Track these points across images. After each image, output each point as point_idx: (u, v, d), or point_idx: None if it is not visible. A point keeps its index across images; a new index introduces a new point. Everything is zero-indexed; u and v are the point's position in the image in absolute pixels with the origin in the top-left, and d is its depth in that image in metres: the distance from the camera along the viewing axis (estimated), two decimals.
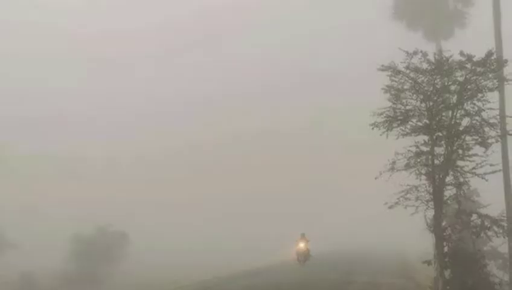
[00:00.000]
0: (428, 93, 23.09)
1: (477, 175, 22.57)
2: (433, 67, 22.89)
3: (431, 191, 22.77)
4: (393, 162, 22.99)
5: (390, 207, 22.82)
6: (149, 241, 65.53)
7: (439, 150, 23.01)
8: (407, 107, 23.40)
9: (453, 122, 22.90)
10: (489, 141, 22.65)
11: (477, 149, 22.69)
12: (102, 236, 53.29)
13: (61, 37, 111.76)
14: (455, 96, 22.94)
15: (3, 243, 54.78)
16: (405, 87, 23.32)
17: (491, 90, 23.01)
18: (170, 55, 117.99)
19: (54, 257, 51.78)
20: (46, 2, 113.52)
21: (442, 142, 22.99)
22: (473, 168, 22.58)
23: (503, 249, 30.33)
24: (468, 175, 22.75)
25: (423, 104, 23.24)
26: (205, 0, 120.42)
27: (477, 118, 22.70)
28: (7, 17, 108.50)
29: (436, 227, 22.71)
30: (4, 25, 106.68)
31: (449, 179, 22.91)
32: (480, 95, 22.69)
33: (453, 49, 23.22)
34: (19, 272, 47.77)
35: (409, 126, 23.36)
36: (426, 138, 23.11)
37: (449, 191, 23.02)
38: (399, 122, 23.32)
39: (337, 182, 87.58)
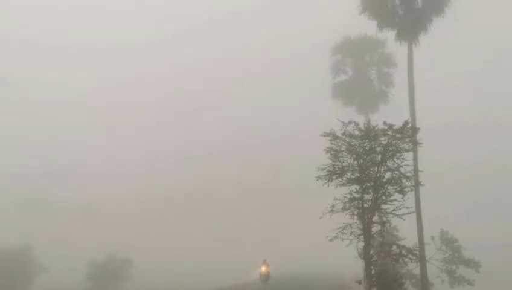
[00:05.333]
0: (359, 153, 23.19)
1: (397, 215, 22.69)
2: (363, 133, 23.08)
3: (361, 227, 22.71)
4: (333, 206, 22.95)
5: (330, 240, 22.66)
6: (149, 265, 64.17)
7: (368, 196, 23.01)
8: (344, 164, 23.47)
9: (378, 176, 23.02)
10: (406, 189, 22.89)
11: (397, 196, 22.80)
12: (112, 262, 52.06)
13: (82, 109, 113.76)
14: (380, 156, 23.05)
15: (37, 267, 53.29)
16: (342, 148, 23.45)
17: (407, 151, 23.37)
18: (164, 124, 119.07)
19: (75, 278, 50.56)
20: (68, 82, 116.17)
21: (370, 190, 23.00)
22: (394, 210, 22.67)
23: (416, 271, 30.24)
24: (390, 215, 22.81)
25: (355, 162, 23.33)
26: (191, 83, 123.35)
27: (396, 172, 22.96)
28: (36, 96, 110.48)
29: (365, 255, 22.57)
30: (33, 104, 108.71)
31: (375, 218, 22.92)
32: (399, 154, 23.01)
33: (378, 120, 23.50)
34: None
35: (345, 178, 23.36)
36: (358, 187, 23.11)
37: (375, 228, 23.01)
38: (337, 175, 23.32)
39: (292, 220, 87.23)
